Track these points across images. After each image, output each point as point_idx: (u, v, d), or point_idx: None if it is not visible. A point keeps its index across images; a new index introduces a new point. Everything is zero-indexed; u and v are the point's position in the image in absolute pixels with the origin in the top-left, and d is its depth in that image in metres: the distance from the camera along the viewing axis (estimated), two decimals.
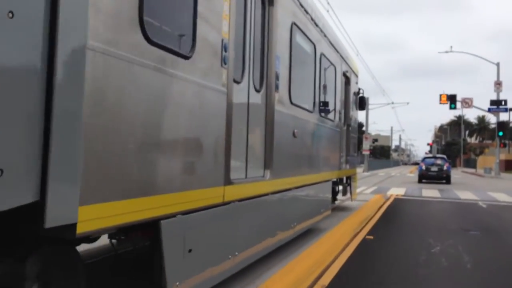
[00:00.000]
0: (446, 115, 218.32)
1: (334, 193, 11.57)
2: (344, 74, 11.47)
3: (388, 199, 17.02)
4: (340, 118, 10.88)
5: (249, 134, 5.51)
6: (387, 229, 9.93)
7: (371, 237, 8.81)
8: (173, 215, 3.77)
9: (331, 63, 9.74)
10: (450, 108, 42.98)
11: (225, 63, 4.60)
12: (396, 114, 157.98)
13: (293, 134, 6.90)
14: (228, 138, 4.70)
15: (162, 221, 3.62)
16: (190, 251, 4.02)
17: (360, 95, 13.60)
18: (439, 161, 31.03)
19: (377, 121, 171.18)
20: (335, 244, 7.80)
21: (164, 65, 3.58)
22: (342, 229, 9.35)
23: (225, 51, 4.60)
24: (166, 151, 3.70)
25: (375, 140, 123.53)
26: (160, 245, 3.62)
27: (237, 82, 5.14)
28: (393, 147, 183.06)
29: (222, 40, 4.55)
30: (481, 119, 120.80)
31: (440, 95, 43.41)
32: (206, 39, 4.27)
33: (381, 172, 50.75)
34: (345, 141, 11.67)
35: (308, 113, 7.78)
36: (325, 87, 9.14)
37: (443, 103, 43.36)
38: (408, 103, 54.37)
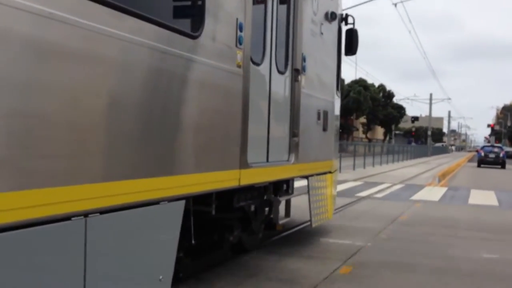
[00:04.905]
0: (508, 97, 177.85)
1: (267, 214, 6.79)
2: None
3: None
4: (239, 43, 5.02)
5: None
6: None
7: None
8: None
9: None
10: None
11: None
12: (428, 59, 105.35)
13: None
14: None
15: None
16: None
17: (349, 26, 8.00)
18: (496, 149, 38.83)
19: (419, 94, 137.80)
20: None
21: None
22: None
23: None
24: None
25: (415, 119, 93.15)
26: None
27: None
28: (444, 129, 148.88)
29: None
30: None
31: None
32: None
33: (377, 176, 21.91)
34: (286, 103, 6.28)
35: None
36: None
37: None
38: None
